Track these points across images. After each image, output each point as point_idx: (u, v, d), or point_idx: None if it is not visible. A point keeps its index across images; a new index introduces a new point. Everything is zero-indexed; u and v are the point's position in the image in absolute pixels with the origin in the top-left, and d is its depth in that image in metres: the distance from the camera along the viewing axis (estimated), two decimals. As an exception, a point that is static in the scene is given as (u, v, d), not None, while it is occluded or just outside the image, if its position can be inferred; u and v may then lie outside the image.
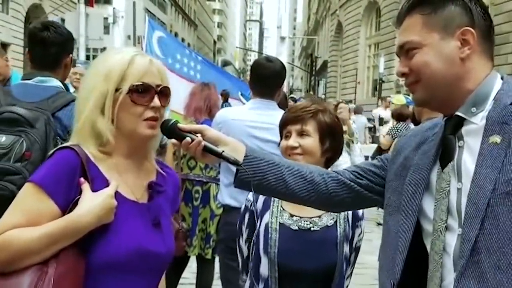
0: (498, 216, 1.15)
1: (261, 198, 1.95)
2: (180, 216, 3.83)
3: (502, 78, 1.30)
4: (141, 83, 1.39)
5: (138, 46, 14.55)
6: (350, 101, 22.77)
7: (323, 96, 35.76)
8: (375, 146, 9.83)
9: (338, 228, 1.86)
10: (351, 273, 1.98)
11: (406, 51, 1.31)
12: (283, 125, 1.96)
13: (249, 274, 1.95)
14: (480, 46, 1.27)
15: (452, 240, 1.24)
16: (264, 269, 1.84)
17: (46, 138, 1.99)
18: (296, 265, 1.81)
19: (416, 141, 1.42)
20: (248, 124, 2.86)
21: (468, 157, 1.24)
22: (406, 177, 1.36)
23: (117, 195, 1.38)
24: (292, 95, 20.45)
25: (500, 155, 1.17)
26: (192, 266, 4.16)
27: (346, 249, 1.87)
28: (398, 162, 1.43)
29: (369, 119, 12.49)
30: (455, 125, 1.29)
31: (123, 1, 31.91)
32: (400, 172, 1.40)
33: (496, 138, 1.19)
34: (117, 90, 1.38)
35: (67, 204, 1.32)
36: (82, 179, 1.34)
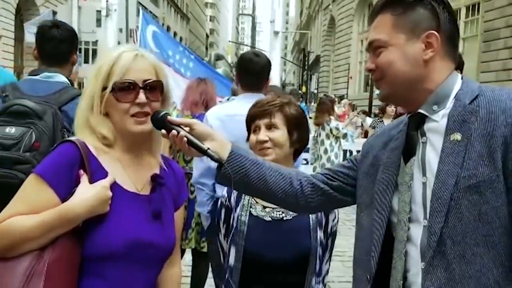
0: (461, 210, 1.22)
1: (235, 193, 1.98)
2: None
3: (462, 78, 1.37)
4: (123, 81, 1.41)
5: (130, 39, 14.43)
6: (343, 96, 22.85)
7: (315, 91, 35.75)
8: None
9: (310, 215, 1.91)
10: (330, 257, 2.02)
11: (374, 48, 1.38)
12: (251, 120, 1.98)
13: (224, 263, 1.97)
14: (443, 49, 1.34)
15: (418, 232, 1.31)
16: (232, 260, 1.88)
17: (54, 130, 2.06)
18: (271, 255, 1.85)
19: (383, 140, 1.49)
20: None
21: (431, 152, 1.31)
22: (377, 176, 1.44)
23: (116, 187, 1.41)
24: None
25: (461, 151, 1.25)
26: (186, 258, 4.20)
27: (320, 234, 1.92)
28: (367, 161, 1.51)
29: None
30: (417, 122, 1.36)
31: (115, -6, 31.66)
32: (369, 171, 1.48)
33: (457, 136, 1.26)
34: (104, 88, 1.42)
35: (68, 193, 1.36)
36: (81, 171, 1.38)
